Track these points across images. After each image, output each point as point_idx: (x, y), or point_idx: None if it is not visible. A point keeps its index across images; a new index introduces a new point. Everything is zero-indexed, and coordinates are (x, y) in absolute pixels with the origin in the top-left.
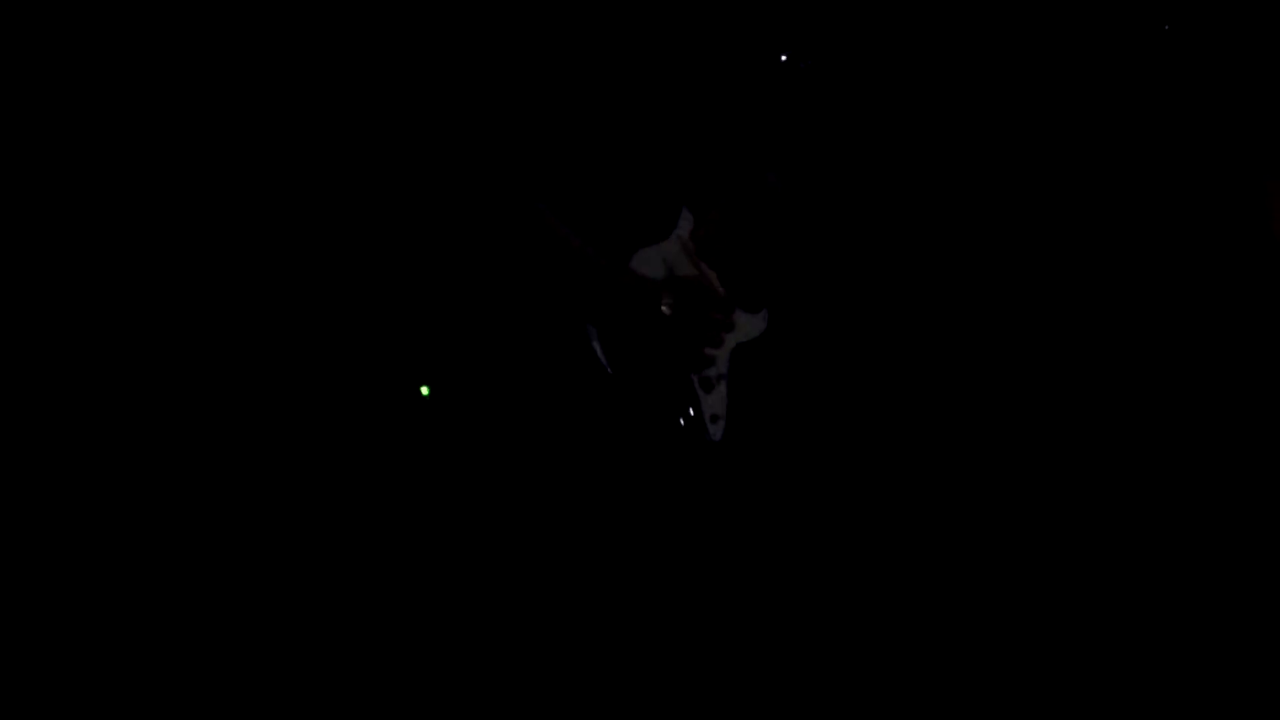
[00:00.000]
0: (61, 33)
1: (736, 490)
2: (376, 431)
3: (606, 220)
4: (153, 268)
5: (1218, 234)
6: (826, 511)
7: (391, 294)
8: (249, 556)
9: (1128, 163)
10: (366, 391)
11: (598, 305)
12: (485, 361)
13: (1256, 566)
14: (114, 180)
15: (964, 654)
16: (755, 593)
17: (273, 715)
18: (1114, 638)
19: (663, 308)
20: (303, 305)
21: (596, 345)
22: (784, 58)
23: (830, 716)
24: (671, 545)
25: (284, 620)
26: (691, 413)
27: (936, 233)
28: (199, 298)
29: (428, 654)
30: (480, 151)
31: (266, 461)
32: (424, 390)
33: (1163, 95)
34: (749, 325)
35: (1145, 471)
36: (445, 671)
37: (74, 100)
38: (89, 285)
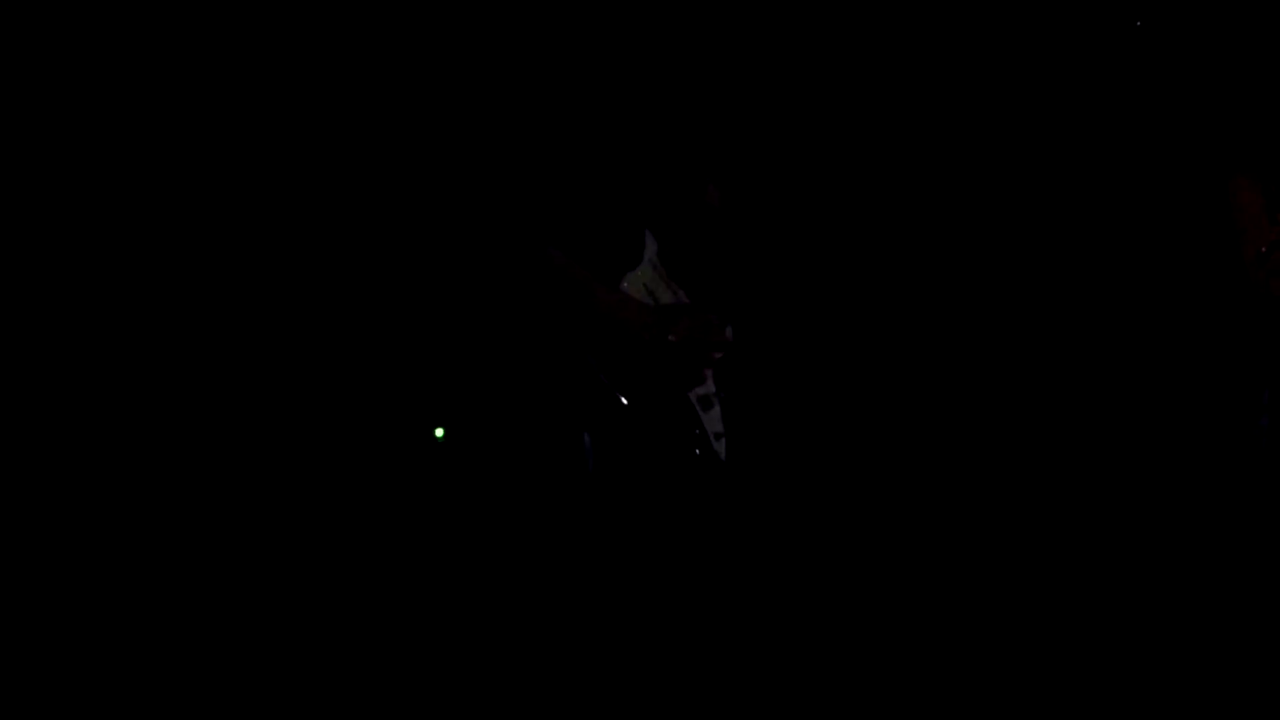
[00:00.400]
0: (61, 33)
1: (752, 503)
2: (393, 465)
3: (581, 253)
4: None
5: (1184, 229)
6: (835, 515)
7: (412, 335)
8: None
9: (1093, 161)
10: (384, 427)
11: (614, 337)
12: (503, 396)
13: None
14: (121, 184)
15: (963, 657)
16: (779, 605)
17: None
18: (1112, 637)
19: (670, 335)
20: (321, 341)
21: (600, 373)
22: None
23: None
24: (698, 563)
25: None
26: (698, 434)
27: (884, 232)
28: (235, 339)
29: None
30: (492, 201)
31: (285, 495)
32: (438, 433)
33: (1129, 96)
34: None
35: (1108, 459)
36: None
37: (74, 100)
38: (91, 289)
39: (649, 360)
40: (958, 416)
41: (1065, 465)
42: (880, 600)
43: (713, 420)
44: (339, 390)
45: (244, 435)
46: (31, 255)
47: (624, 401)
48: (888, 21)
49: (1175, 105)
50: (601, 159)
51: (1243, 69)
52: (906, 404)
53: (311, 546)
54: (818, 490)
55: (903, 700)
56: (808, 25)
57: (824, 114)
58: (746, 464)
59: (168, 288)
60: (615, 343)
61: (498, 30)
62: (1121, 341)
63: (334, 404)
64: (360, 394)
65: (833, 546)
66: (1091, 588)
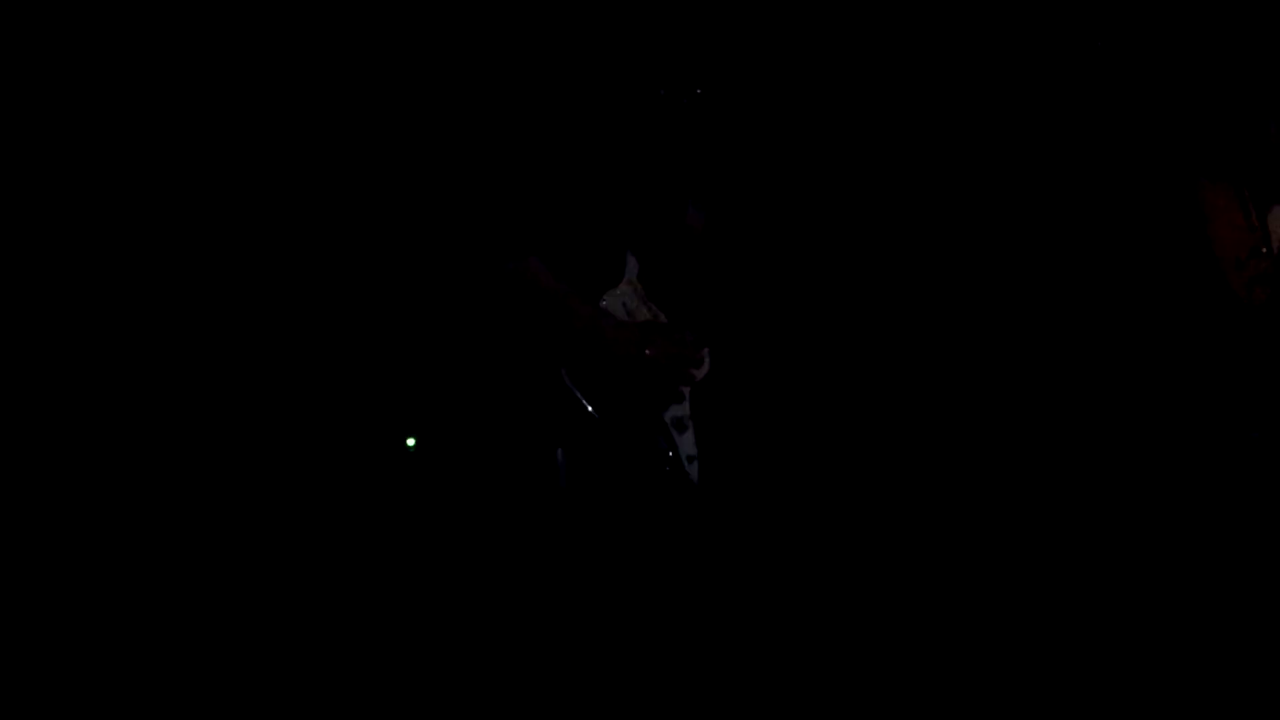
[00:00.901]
0: (62, 33)
1: (723, 526)
2: (365, 476)
3: (567, 271)
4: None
5: (1157, 235)
6: (808, 540)
7: (384, 342)
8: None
9: (1069, 168)
10: (355, 436)
11: (587, 350)
12: (476, 406)
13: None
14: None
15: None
16: (747, 628)
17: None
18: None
19: (645, 350)
20: (293, 345)
21: (574, 389)
22: (662, 92)
23: None
24: (666, 584)
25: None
26: (671, 455)
27: (866, 261)
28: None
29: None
30: (469, 212)
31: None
32: (410, 442)
33: (1102, 104)
34: (704, 365)
35: (1093, 475)
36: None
37: (74, 100)
38: (86, 286)
39: (624, 377)
40: (938, 444)
41: (1048, 490)
42: (849, 626)
43: (686, 443)
44: (309, 396)
45: (213, 443)
46: (28, 255)
47: (591, 411)
48: (871, 53)
49: (1144, 113)
50: (585, 178)
51: (1210, 77)
52: (885, 434)
53: (277, 559)
54: (791, 515)
55: None
56: (796, 54)
57: (808, 140)
58: (719, 487)
59: (132, 293)
60: (590, 357)
61: (489, 43)
62: (1104, 353)
63: (304, 410)
64: (332, 399)
65: (804, 571)
66: (1082, 612)
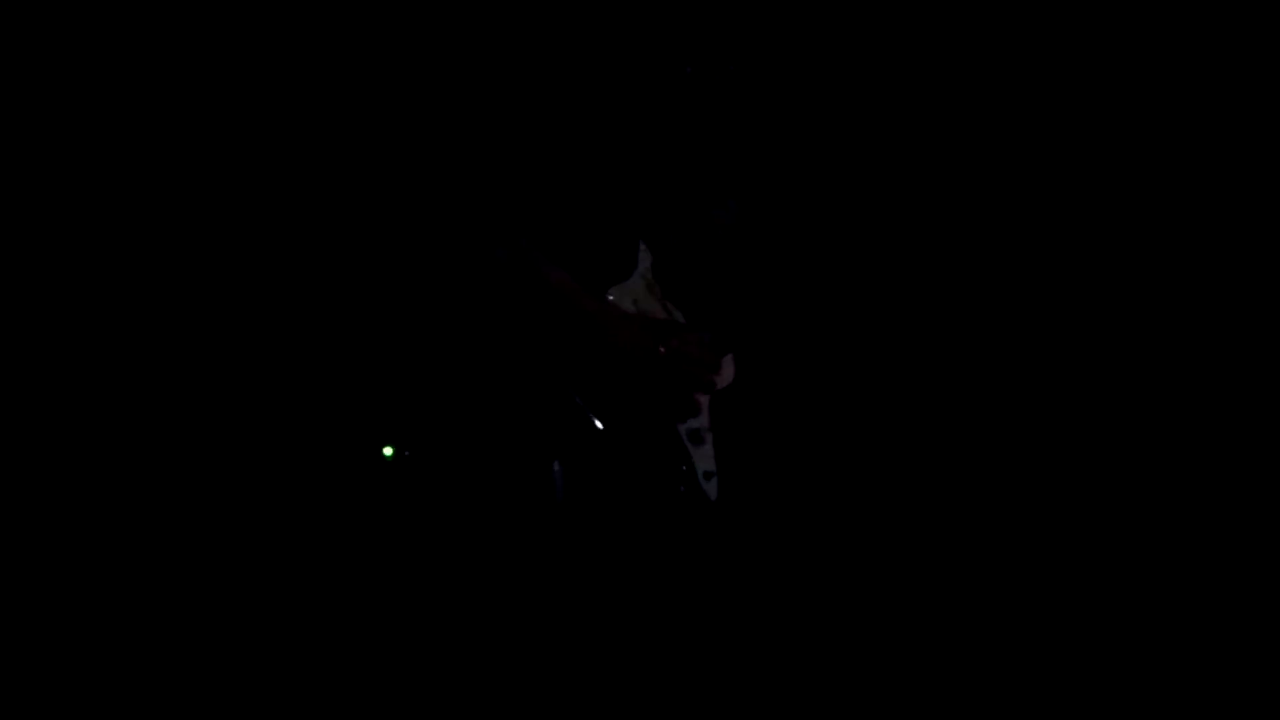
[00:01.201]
0: (62, 33)
1: (742, 549)
2: (353, 495)
3: (568, 261)
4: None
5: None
6: (833, 563)
7: (376, 345)
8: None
9: (1068, 185)
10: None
11: (590, 349)
12: (465, 412)
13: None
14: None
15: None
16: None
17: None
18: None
19: (659, 348)
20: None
21: (575, 393)
22: (689, 70)
23: None
24: (676, 610)
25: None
26: (686, 471)
27: (894, 259)
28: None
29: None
30: (460, 195)
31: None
32: (386, 451)
33: (1100, 128)
34: (727, 372)
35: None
36: None
37: (74, 100)
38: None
39: (633, 380)
40: (969, 466)
41: (1098, 523)
42: (881, 664)
43: (704, 457)
44: (284, 403)
45: (193, 451)
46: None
47: (599, 426)
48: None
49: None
50: (593, 156)
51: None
52: (921, 455)
53: (254, 577)
54: (815, 537)
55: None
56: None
57: (855, 127)
58: (738, 506)
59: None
60: (594, 357)
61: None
62: (1122, 374)
63: (280, 419)
64: (308, 402)
65: (831, 600)
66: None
